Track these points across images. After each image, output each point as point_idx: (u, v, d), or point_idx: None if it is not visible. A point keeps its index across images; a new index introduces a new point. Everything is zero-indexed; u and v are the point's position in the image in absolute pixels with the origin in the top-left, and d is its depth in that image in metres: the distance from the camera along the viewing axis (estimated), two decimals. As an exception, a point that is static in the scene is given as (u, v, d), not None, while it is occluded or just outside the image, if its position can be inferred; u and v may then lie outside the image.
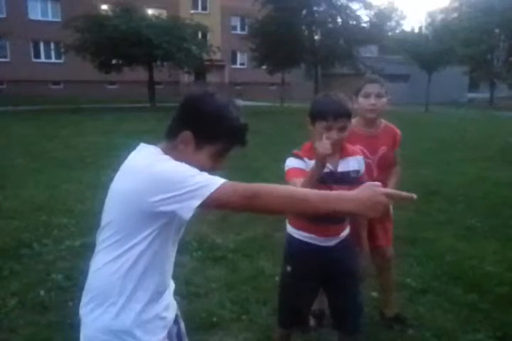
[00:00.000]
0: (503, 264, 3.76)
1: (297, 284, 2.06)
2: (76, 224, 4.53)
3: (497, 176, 7.36)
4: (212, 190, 1.14)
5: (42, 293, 3.07)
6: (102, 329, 1.26)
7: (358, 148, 2.17)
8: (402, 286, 3.31)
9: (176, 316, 1.50)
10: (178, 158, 1.28)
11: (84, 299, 1.34)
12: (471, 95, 40.19)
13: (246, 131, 1.34)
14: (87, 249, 3.80)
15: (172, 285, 1.49)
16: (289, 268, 2.08)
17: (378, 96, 2.47)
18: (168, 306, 1.41)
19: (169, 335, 1.40)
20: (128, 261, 1.25)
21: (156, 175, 1.18)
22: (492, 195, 6.14)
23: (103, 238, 1.29)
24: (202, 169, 1.30)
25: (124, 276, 1.26)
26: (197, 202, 1.14)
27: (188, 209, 1.15)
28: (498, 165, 8.32)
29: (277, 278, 3.32)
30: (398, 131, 2.67)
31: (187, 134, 1.28)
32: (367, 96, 2.47)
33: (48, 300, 2.98)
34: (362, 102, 2.49)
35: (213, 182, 1.16)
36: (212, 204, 1.17)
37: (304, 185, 1.73)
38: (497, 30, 32.36)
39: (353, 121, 2.34)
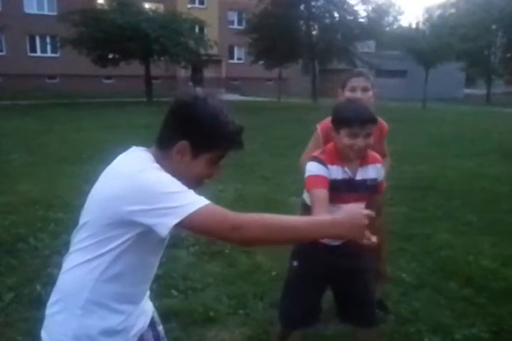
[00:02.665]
0: (498, 259, 3.79)
1: (303, 279, 2.06)
2: (72, 219, 4.48)
3: (493, 172, 7.39)
4: (192, 211, 1.08)
5: (38, 287, 3.07)
6: (66, 333, 1.22)
7: None
8: (398, 281, 3.32)
9: (152, 320, 1.46)
10: (172, 167, 1.23)
11: (51, 298, 1.29)
12: (467, 91, 40.25)
13: (242, 133, 1.28)
14: (84, 244, 3.82)
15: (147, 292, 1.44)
16: (295, 263, 2.07)
17: (364, 90, 2.45)
18: (141, 314, 1.37)
19: (140, 339, 1.37)
20: (100, 265, 1.20)
21: (139, 184, 1.12)
22: (488, 191, 6.17)
23: (78, 239, 1.24)
24: (199, 177, 1.29)
25: (95, 281, 1.21)
26: (174, 221, 1.08)
27: (163, 226, 1.10)
28: (494, 161, 8.35)
29: (274, 273, 3.34)
30: (386, 125, 2.66)
31: (183, 144, 1.22)
32: (353, 90, 2.46)
33: (45, 295, 2.96)
34: (348, 96, 2.48)
35: (196, 202, 1.10)
36: (194, 227, 1.12)
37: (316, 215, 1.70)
38: (494, 26, 32.35)
39: None
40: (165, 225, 1.09)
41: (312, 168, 1.89)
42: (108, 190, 1.18)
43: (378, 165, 2.01)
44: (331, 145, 1.97)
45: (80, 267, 1.22)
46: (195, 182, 1.29)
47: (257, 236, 1.12)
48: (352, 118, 1.81)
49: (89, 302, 1.22)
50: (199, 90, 1.29)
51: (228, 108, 1.28)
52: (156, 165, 1.20)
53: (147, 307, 1.44)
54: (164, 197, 1.10)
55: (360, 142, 1.82)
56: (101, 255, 1.20)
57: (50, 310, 1.28)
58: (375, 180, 1.98)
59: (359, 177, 1.93)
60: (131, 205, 1.12)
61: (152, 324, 1.47)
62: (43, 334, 1.27)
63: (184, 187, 1.15)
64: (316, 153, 1.97)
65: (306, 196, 2.01)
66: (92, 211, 1.23)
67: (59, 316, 1.24)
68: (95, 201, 1.23)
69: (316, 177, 1.87)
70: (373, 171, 1.98)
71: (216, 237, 1.13)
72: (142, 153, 1.26)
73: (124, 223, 1.15)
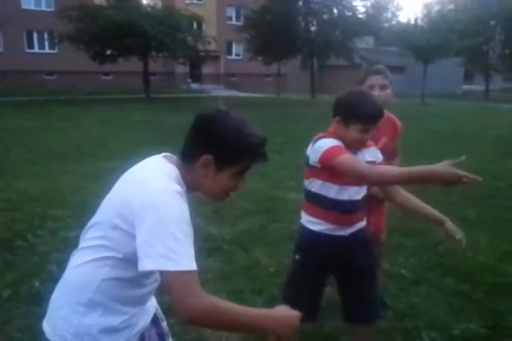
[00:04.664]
0: (495, 255, 3.80)
1: (304, 273, 2.06)
2: (71, 216, 4.52)
3: (491, 168, 7.40)
4: (173, 269, 1.06)
5: (37, 284, 3.07)
6: (68, 329, 1.22)
7: None
8: (396, 277, 3.34)
9: (155, 316, 1.46)
10: (197, 181, 1.25)
11: (56, 292, 1.30)
12: (466, 87, 40.22)
13: (265, 145, 1.27)
14: (82, 241, 3.83)
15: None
16: (297, 257, 2.07)
17: (383, 87, 2.48)
18: (143, 312, 1.37)
19: (141, 337, 1.37)
20: (108, 266, 1.20)
21: (154, 209, 1.11)
22: (486, 187, 6.17)
23: (89, 237, 1.25)
24: (224, 191, 1.30)
25: (101, 281, 1.21)
26: (152, 267, 1.08)
27: (141, 264, 1.09)
28: (492, 157, 8.37)
29: (272, 269, 3.35)
30: (399, 123, 2.70)
31: (208, 159, 1.22)
32: (371, 87, 2.48)
33: (43, 291, 2.96)
34: None
35: (183, 264, 1.07)
36: (163, 282, 1.10)
37: (396, 176, 1.68)
38: (493, 22, 32.29)
39: None
40: (142, 265, 1.09)
41: (330, 142, 1.86)
42: (124, 198, 1.18)
43: (372, 148, 2.03)
44: (331, 130, 1.98)
45: (87, 265, 1.22)
46: (220, 196, 1.32)
47: (203, 324, 1.18)
48: (367, 116, 1.81)
49: (93, 301, 1.21)
50: (221, 105, 1.29)
51: (250, 121, 1.28)
52: (179, 190, 1.18)
53: (149, 305, 1.43)
54: (166, 238, 1.08)
55: (368, 136, 1.87)
56: (110, 257, 1.20)
57: (53, 303, 1.29)
58: (373, 162, 1.99)
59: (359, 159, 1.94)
60: (137, 224, 1.12)
61: (155, 320, 1.47)
62: (46, 326, 1.27)
63: (190, 235, 1.13)
64: (321, 135, 1.96)
65: (308, 183, 2.00)
66: (105, 213, 1.23)
67: (62, 311, 1.24)
68: (110, 204, 1.24)
69: (338, 147, 1.84)
70: (369, 154, 2.00)
71: (172, 302, 1.09)
72: (169, 167, 1.24)
73: (132, 236, 1.15)
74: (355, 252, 2.01)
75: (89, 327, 1.21)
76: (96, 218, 1.26)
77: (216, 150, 1.22)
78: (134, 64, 22.51)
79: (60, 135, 9.93)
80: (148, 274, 1.25)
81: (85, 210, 4.85)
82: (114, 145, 8.77)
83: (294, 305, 2.11)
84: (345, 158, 1.78)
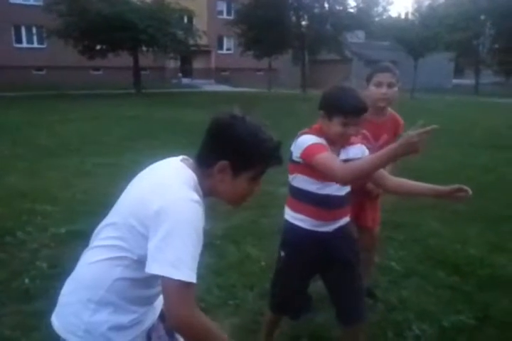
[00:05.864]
0: (485, 247, 3.84)
1: (289, 269, 2.06)
2: (61, 212, 4.49)
3: (480, 161, 7.47)
4: (175, 278, 1.07)
5: (26, 281, 3.05)
6: (78, 325, 1.23)
7: (362, 132, 2.23)
8: (386, 270, 3.36)
9: (163, 312, 1.44)
10: (214, 187, 1.27)
11: (67, 287, 1.31)
12: (456, 81, 40.41)
13: (280, 148, 1.30)
14: (72, 237, 3.79)
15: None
16: (282, 253, 2.07)
17: (390, 85, 2.49)
18: (151, 310, 1.37)
19: (148, 333, 1.38)
20: (122, 266, 1.22)
21: (171, 216, 1.12)
22: (475, 180, 6.22)
23: (104, 236, 1.25)
24: (241, 196, 1.32)
25: (114, 280, 1.22)
26: (157, 271, 1.10)
27: (149, 265, 1.11)
28: (481, 151, 8.43)
29: (264, 264, 3.36)
30: (401, 121, 2.71)
31: (224, 165, 1.24)
32: (378, 85, 2.49)
33: (33, 288, 2.95)
34: (373, 91, 2.52)
35: (185, 275, 1.09)
36: (162, 286, 1.12)
37: (364, 165, 1.67)
38: (483, 17, 32.41)
39: None
40: (149, 267, 1.11)
41: (310, 139, 1.85)
42: (142, 201, 1.18)
43: (358, 145, 2.00)
44: (315, 126, 1.97)
45: (101, 263, 1.23)
46: (237, 201, 1.35)
47: (185, 334, 1.17)
48: (349, 109, 1.80)
49: (105, 299, 1.22)
50: (237, 110, 1.29)
51: (265, 125, 1.29)
52: (197, 199, 1.18)
53: (157, 302, 1.42)
54: (177, 247, 1.10)
55: (351, 131, 1.83)
56: (124, 257, 1.21)
57: (64, 298, 1.29)
58: (359, 159, 1.98)
59: (342, 157, 1.93)
60: (152, 229, 1.13)
61: (163, 316, 1.45)
62: (55, 321, 1.28)
63: (199, 247, 1.15)
64: (304, 131, 1.95)
65: (291, 178, 2.00)
66: (121, 213, 1.24)
67: (72, 307, 1.25)
68: (127, 205, 1.24)
69: (317, 144, 1.83)
70: (355, 151, 1.97)
71: (166, 307, 1.13)
72: (188, 173, 1.25)
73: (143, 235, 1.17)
74: (339, 248, 2.01)
75: (99, 325, 1.22)
76: (111, 218, 1.27)
77: (232, 156, 1.23)
78: (124, 59, 22.31)
79: (48, 130, 9.83)
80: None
81: (75, 206, 4.83)
82: (104, 140, 8.70)
83: (282, 302, 2.11)
84: (322, 157, 1.77)
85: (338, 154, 1.92)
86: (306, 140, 1.85)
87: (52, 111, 13.62)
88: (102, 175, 5.94)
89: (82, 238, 3.59)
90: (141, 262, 1.18)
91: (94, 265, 1.24)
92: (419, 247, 3.83)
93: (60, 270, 3.18)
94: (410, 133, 1.48)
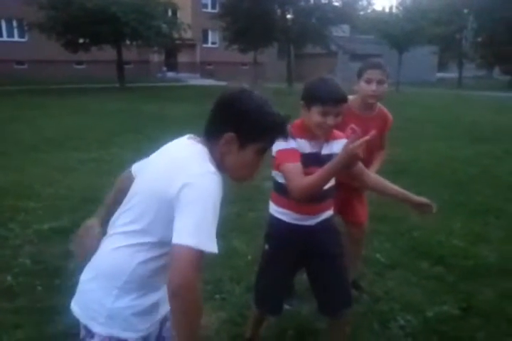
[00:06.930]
0: (468, 238, 3.90)
1: (273, 263, 2.06)
2: (44, 208, 4.42)
3: (464, 154, 7.56)
4: (190, 245, 1.09)
5: (9, 278, 3.00)
6: (101, 311, 1.25)
7: (350, 126, 2.24)
8: (372, 262, 3.39)
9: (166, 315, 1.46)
10: (221, 160, 1.29)
11: (87, 274, 1.32)
12: (440, 75, 40.81)
13: (287, 123, 1.33)
14: (56, 233, 3.75)
15: None
16: (266, 247, 2.07)
17: (380, 82, 2.50)
18: (164, 301, 1.35)
19: (161, 322, 1.40)
20: (143, 251, 1.24)
21: (194, 189, 1.15)
22: (459, 173, 6.31)
23: (123, 222, 1.28)
24: (246, 169, 1.34)
25: (137, 264, 1.24)
26: (176, 240, 1.11)
27: (175, 235, 1.12)
28: (465, 144, 8.53)
29: (250, 257, 3.36)
30: (390, 117, 2.73)
31: (230, 136, 1.26)
32: (369, 82, 2.50)
33: (16, 285, 2.91)
34: (363, 87, 2.53)
35: (202, 244, 1.11)
36: (171, 253, 1.13)
37: (315, 181, 1.72)
38: (466, 11, 32.67)
39: (350, 98, 2.34)
40: (174, 239, 1.12)
41: (279, 144, 1.77)
42: (163, 181, 1.21)
43: (342, 140, 1.96)
44: (298, 120, 1.96)
45: (123, 249, 1.25)
46: (243, 175, 1.36)
47: (182, 297, 1.11)
48: (326, 97, 1.80)
49: (127, 284, 1.24)
50: (244, 85, 1.33)
51: (272, 100, 1.32)
52: (215, 171, 1.22)
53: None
54: (199, 216, 1.12)
55: (330, 120, 1.82)
56: (146, 243, 1.23)
57: (85, 285, 1.31)
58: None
59: (325, 151, 1.93)
60: (176, 204, 1.15)
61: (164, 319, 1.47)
62: (75, 307, 1.31)
63: (217, 218, 1.17)
64: None
65: (274, 174, 1.98)
66: (140, 198, 1.26)
67: (95, 294, 1.27)
68: (145, 189, 1.26)
69: (285, 151, 1.84)
70: (339, 146, 1.92)
71: (172, 269, 1.11)
72: (199, 146, 1.29)
73: (166, 215, 1.18)
74: (323, 241, 2.01)
75: (122, 310, 1.25)
76: (128, 204, 1.29)
77: (239, 127, 1.26)
78: (107, 53, 22.00)
79: (31, 125, 9.66)
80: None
81: (58, 202, 4.76)
82: (88, 135, 8.59)
83: (265, 295, 2.10)
84: (286, 167, 1.82)
85: (320, 148, 1.92)
86: (279, 144, 1.75)
87: (34, 105, 13.39)
88: (86, 170, 5.87)
89: (65, 234, 3.56)
90: (162, 243, 1.21)
91: (115, 252, 1.26)
92: (404, 239, 3.87)
93: (43, 266, 3.14)
94: (350, 147, 1.58)
